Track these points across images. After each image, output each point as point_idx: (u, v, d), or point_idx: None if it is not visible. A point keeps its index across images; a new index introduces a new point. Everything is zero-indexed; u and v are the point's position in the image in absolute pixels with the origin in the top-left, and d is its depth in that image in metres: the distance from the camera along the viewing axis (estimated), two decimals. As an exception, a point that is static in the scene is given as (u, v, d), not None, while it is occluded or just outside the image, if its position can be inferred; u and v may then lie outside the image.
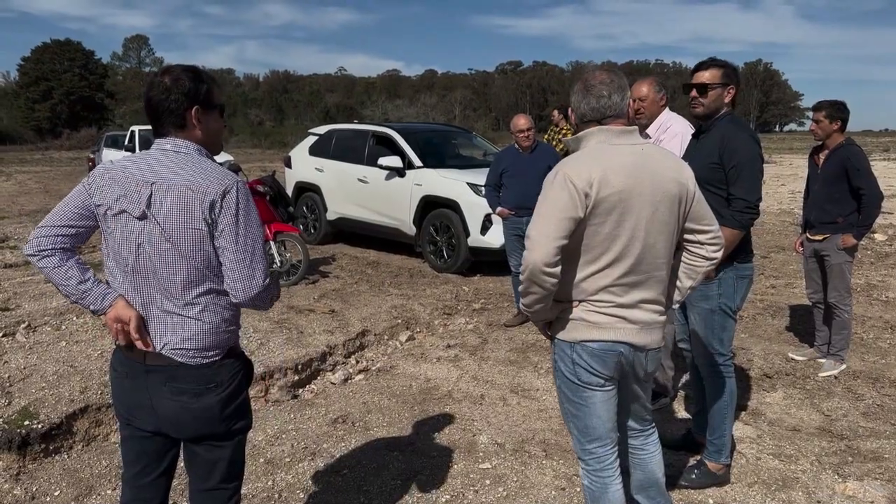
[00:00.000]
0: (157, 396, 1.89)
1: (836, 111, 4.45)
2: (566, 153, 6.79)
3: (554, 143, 9.43)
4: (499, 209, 5.71)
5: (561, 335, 2.20)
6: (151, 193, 1.80)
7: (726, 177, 2.93)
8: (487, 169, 6.84)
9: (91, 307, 1.87)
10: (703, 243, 2.25)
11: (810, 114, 4.68)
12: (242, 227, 1.83)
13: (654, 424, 2.48)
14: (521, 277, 2.10)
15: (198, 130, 1.91)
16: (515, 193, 5.57)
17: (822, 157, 4.59)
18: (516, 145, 5.70)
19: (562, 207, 2.02)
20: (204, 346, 1.88)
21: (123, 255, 1.85)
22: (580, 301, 2.14)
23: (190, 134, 1.90)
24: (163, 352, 1.87)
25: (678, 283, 2.32)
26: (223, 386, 1.91)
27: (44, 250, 1.83)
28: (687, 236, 2.25)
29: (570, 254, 2.07)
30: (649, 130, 3.84)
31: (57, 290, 1.89)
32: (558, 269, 2.03)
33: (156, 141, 1.92)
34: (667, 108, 3.92)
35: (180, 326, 1.86)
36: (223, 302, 1.89)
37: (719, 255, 2.28)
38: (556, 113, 9.99)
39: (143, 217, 1.80)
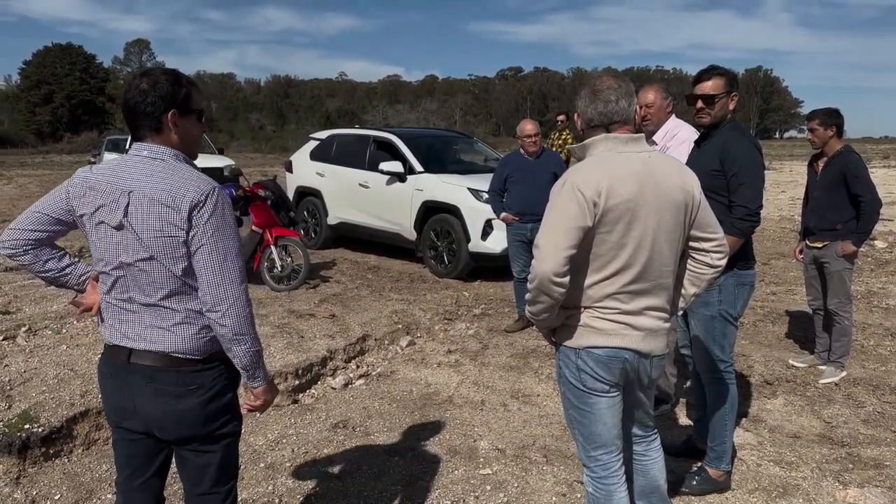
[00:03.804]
0: (140, 396, 1.90)
1: (829, 118, 4.47)
2: (568, 159, 6.81)
3: (555, 148, 9.48)
4: (503, 214, 5.69)
5: (566, 342, 2.20)
6: (129, 203, 1.80)
7: (727, 184, 2.93)
8: (488, 174, 6.87)
9: (74, 288, 2.03)
10: (707, 251, 2.26)
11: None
12: (217, 236, 1.81)
13: (656, 430, 2.48)
14: (529, 286, 2.10)
15: (174, 135, 1.88)
16: (520, 199, 5.56)
17: (821, 164, 4.60)
18: (522, 150, 5.70)
19: (570, 217, 2.02)
20: (185, 349, 1.88)
21: (105, 261, 1.88)
22: (586, 307, 2.15)
23: (166, 138, 1.88)
24: (141, 349, 1.88)
25: (682, 290, 2.33)
26: (205, 388, 1.91)
27: (16, 251, 1.93)
28: (692, 244, 2.26)
29: (577, 262, 2.07)
30: (656, 137, 3.83)
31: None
32: (567, 278, 2.03)
33: (133, 146, 1.91)
34: (673, 115, 3.91)
35: (161, 332, 1.87)
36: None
37: (723, 262, 2.29)
38: (563, 117, 10.03)
39: (120, 227, 1.81)
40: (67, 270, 2.01)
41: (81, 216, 1.88)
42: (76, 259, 2.03)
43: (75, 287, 2.02)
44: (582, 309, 2.15)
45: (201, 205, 1.79)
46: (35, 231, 1.92)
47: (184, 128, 1.90)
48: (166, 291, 1.84)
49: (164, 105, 1.85)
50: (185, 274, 1.83)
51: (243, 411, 2.03)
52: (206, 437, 1.96)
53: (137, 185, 1.81)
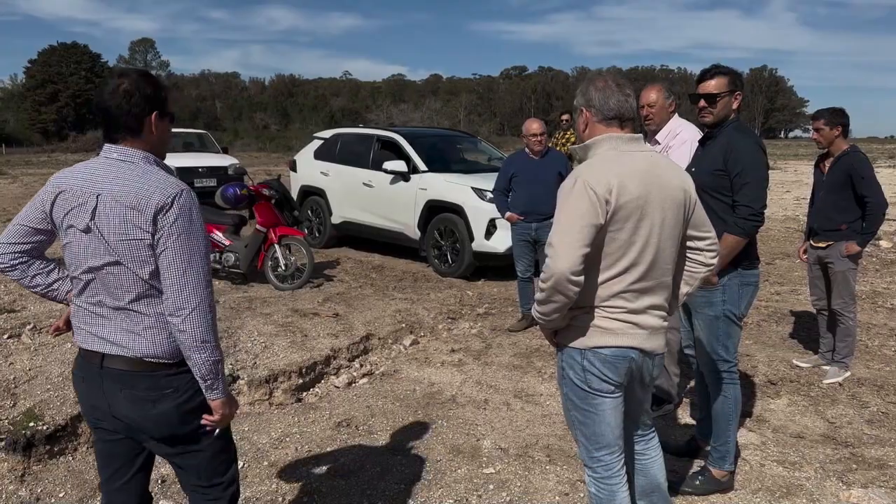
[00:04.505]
0: (115, 401, 1.89)
1: (835, 117, 4.46)
2: (569, 158, 6.80)
3: (558, 148, 9.47)
4: (507, 214, 5.69)
5: (572, 342, 2.19)
6: (96, 205, 1.79)
7: (731, 184, 2.93)
8: (492, 173, 6.86)
9: (62, 303, 2.04)
10: (701, 250, 2.29)
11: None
12: (182, 239, 1.79)
13: (654, 429, 2.48)
14: (542, 286, 2.08)
15: (153, 136, 1.88)
16: (525, 198, 5.56)
17: (827, 164, 4.59)
18: (527, 150, 5.69)
19: (583, 215, 2.01)
20: (157, 353, 1.86)
21: (75, 265, 1.87)
22: (592, 307, 2.14)
23: (143, 140, 1.87)
24: (114, 353, 1.87)
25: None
26: (180, 391, 1.90)
27: (4, 265, 1.94)
28: (688, 243, 2.28)
29: (587, 261, 2.07)
30: (658, 137, 3.83)
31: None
32: (582, 277, 2.03)
33: (104, 147, 1.89)
34: (676, 115, 3.91)
35: (132, 336, 1.86)
36: None
37: (716, 261, 2.32)
38: (567, 116, 10.02)
39: (87, 230, 1.80)
40: (55, 286, 2.01)
41: (55, 220, 1.88)
42: (64, 274, 2.02)
43: (63, 301, 2.03)
44: (588, 308, 2.15)
45: (167, 208, 1.77)
46: (19, 244, 1.93)
47: (161, 130, 1.90)
48: (134, 295, 1.83)
49: (149, 107, 1.85)
50: (152, 277, 1.82)
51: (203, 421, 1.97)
52: (189, 435, 1.95)
53: (106, 187, 1.79)
